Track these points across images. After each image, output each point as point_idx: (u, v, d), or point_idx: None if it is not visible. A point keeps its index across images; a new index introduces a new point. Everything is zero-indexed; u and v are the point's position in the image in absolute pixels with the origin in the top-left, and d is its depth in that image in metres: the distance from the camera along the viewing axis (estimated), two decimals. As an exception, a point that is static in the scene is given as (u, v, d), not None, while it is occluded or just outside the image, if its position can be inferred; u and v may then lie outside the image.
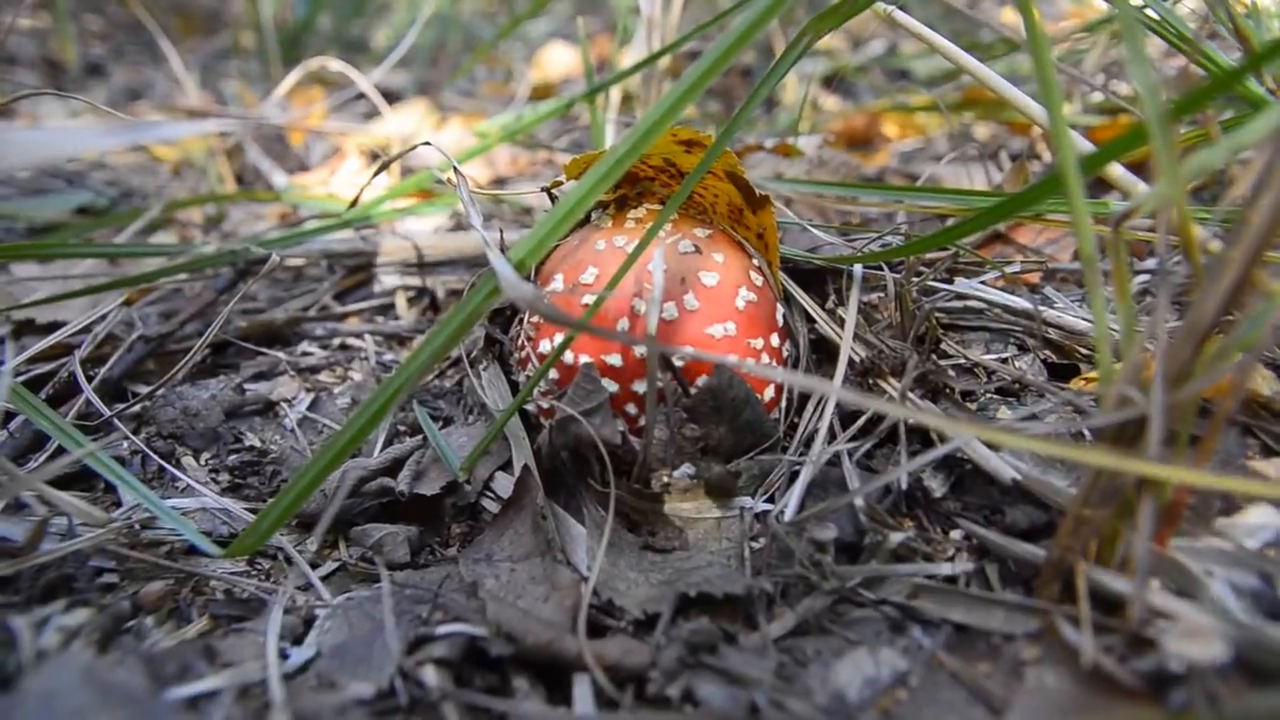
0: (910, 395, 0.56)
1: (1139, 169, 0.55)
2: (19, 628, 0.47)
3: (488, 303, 0.44)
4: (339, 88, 2.11)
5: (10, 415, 0.67)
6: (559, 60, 2.38)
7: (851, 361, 0.58)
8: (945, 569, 0.48)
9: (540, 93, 2.02)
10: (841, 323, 0.60)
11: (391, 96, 1.95)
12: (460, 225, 1.06)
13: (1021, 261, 0.72)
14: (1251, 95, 0.59)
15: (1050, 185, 0.47)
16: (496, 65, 2.46)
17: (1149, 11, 0.66)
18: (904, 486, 0.52)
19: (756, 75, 2.30)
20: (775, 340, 0.57)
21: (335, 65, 1.39)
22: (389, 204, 1.04)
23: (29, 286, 0.92)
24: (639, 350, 0.53)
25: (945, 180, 1.23)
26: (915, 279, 0.61)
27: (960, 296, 0.66)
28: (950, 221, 0.89)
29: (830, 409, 0.57)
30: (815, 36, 0.54)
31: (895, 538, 0.48)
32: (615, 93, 1.18)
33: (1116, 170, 0.52)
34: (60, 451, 0.65)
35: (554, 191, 0.63)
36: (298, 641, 0.48)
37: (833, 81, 2.02)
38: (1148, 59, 0.41)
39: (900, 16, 0.69)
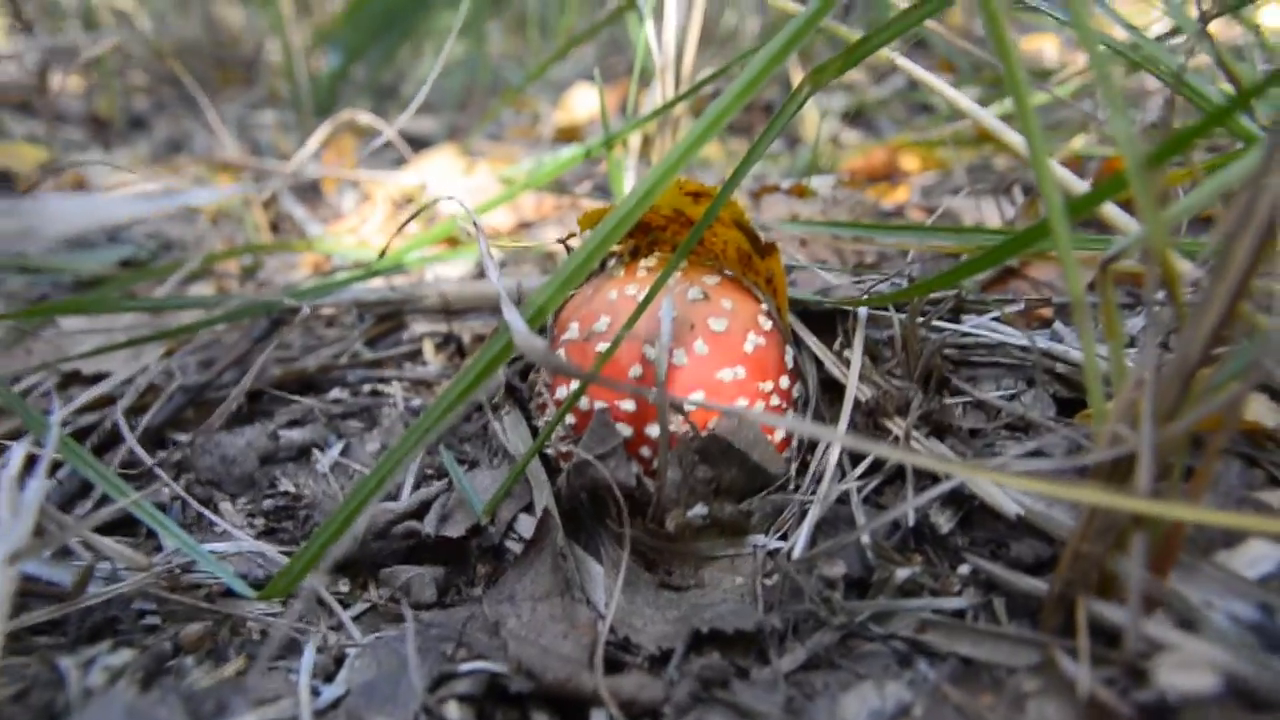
0: (916, 434, 0.57)
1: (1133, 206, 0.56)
2: (67, 668, 0.50)
3: (503, 355, 0.46)
4: (370, 135, 2.16)
5: (58, 464, 0.71)
6: (584, 102, 2.42)
7: (858, 402, 0.60)
8: (953, 603, 0.49)
9: (566, 134, 2.06)
10: (848, 364, 0.62)
11: (421, 142, 2.00)
12: (483, 274, 1.09)
13: (1025, 299, 0.73)
14: (1241, 131, 0.60)
15: (1040, 230, 0.49)
16: (523, 108, 2.51)
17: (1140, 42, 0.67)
18: (911, 524, 0.54)
19: (777, 109, 2.34)
20: (785, 382, 0.59)
21: (364, 118, 1.43)
22: (417, 252, 1.07)
23: (76, 339, 0.96)
24: (651, 396, 0.55)
25: (961, 214, 1.25)
26: (921, 319, 0.63)
27: (966, 334, 0.67)
28: (963, 258, 0.91)
29: (836, 451, 0.59)
30: (814, 89, 0.57)
31: (902, 573, 0.49)
32: (635, 137, 1.21)
33: (1110, 210, 0.54)
34: (105, 499, 0.69)
35: (569, 243, 0.65)
36: (329, 679, 0.50)
37: (852, 116, 2.04)
38: (1124, 108, 0.43)
39: (901, 61, 0.71)
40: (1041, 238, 0.49)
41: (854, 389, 0.60)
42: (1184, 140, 0.46)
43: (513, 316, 0.43)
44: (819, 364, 0.64)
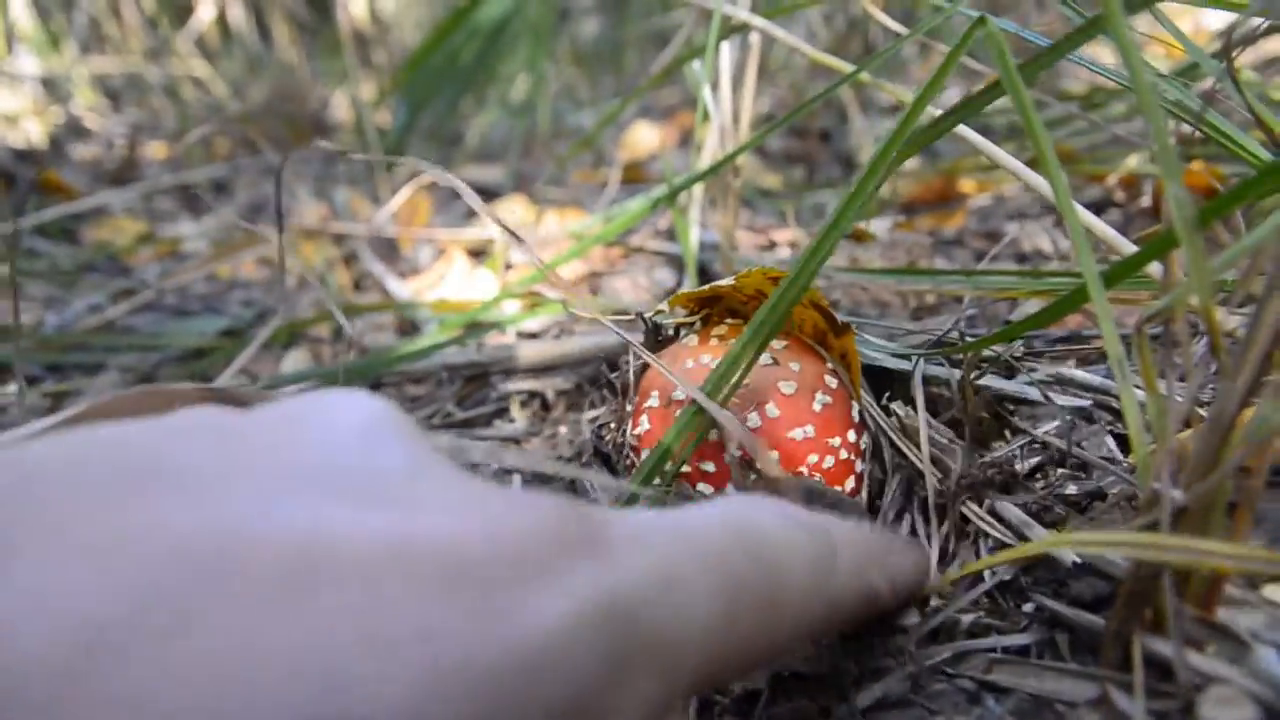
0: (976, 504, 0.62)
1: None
2: None
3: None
4: (440, 187, 2.25)
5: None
6: (645, 139, 2.49)
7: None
8: (1019, 639, 0.54)
9: (630, 174, 2.11)
10: (902, 427, 0.66)
11: (488, 193, 2.08)
12: (564, 330, 1.16)
13: (1065, 348, 0.77)
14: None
15: (1080, 297, 0.53)
16: (585, 150, 2.59)
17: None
18: (988, 584, 0.58)
19: (834, 138, 2.38)
20: (852, 436, 0.64)
21: (441, 180, 1.51)
22: (498, 310, 1.14)
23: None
24: (728, 456, 0.60)
25: (1020, 240, 1.28)
26: (976, 372, 0.67)
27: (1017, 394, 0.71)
28: (1020, 307, 0.94)
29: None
30: (899, 160, 0.62)
31: (966, 619, 0.53)
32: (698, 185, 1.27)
33: (1150, 267, 0.58)
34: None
35: (654, 319, 0.71)
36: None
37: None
38: (1179, 172, 0.47)
39: (967, 133, 0.76)
40: (1079, 305, 0.53)
41: (932, 485, 0.65)
42: (1235, 199, 0.49)
43: (731, 425, 0.49)
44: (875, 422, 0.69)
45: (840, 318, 0.64)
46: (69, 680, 0.23)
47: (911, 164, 1.96)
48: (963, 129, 0.73)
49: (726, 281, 0.65)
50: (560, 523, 0.31)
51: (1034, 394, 0.71)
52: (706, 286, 0.66)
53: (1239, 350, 0.45)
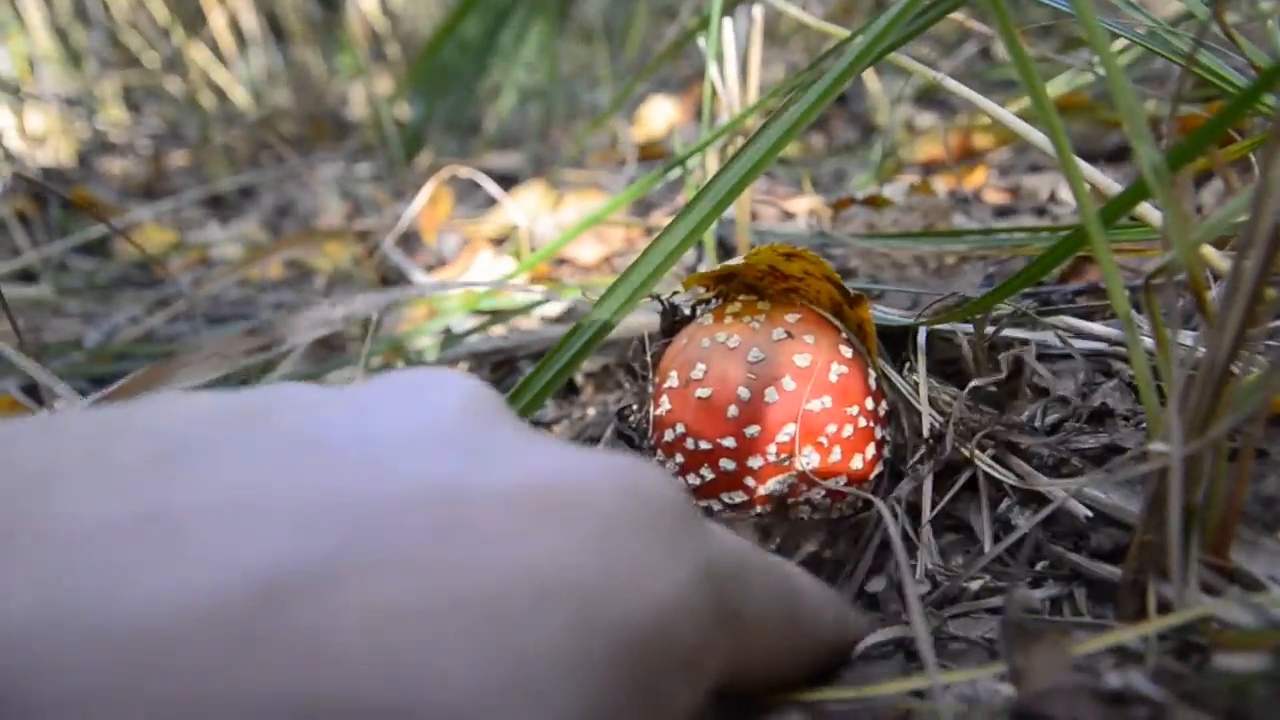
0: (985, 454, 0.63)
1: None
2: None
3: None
4: (460, 178, 2.27)
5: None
6: (660, 114, 2.49)
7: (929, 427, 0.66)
8: (1036, 595, 0.55)
9: (648, 151, 2.12)
10: (916, 387, 0.67)
11: (507, 179, 2.10)
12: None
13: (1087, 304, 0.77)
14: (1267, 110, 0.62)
15: (1078, 240, 0.53)
16: (601, 129, 2.59)
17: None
18: (987, 548, 0.59)
19: (850, 101, 2.36)
20: (870, 404, 0.65)
21: (463, 172, 1.53)
22: (519, 294, 1.16)
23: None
24: (748, 431, 0.62)
25: (1039, 192, 1.28)
26: (989, 331, 0.68)
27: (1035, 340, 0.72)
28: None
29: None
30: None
31: (974, 585, 0.55)
32: (713, 159, 1.27)
33: (1148, 211, 0.58)
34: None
35: (669, 300, 0.72)
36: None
37: (926, 97, 2.06)
38: (1141, 114, 0.47)
39: (950, 84, 0.76)
40: (1076, 250, 0.54)
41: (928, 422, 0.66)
42: (1210, 131, 0.49)
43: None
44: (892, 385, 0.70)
45: (855, 288, 0.65)
46: (252, 624, 0.24)
47: (928, 122, 1.96)
48: (949, 82, 0.74)
49: (737, 261, 0.66)
50: (677, 491, 0.34)
51: (1052, 344, 0.71)
52: (719, 266, 0.67)
53: (1224, 297, 0.45)
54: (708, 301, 0.73)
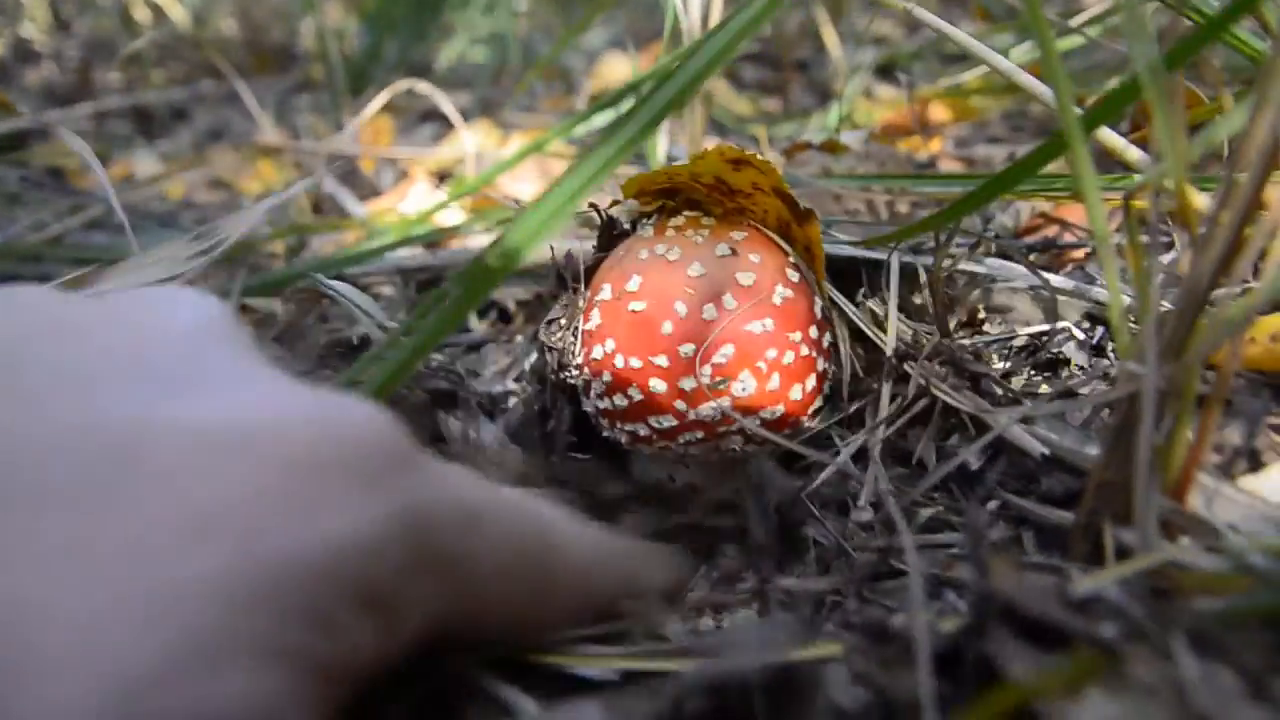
0: (943, 380, 0.59)
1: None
2: None
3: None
4: (404, 113, 2.19)
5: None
6: (617, 69, 2.43)
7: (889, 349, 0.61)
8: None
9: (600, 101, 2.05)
10: (873, 315, 0.63)
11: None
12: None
13: (1058, 243, 0.74)
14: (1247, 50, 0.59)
15: (1052, 149, 0.49)
16: (557, 79, 2.52)
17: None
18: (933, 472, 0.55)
19: (811, 67, 2.32)
20: (814, 332, 0.61)
21: (421, 87, 1.46)
22: (448, 216, 1.10)
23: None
24: (683, 349, 0.57)
25: (995, 162, 1.25)
26: (946, 264, 0.64)
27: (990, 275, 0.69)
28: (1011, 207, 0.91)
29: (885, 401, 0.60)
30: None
31: (925, 514, 0.51)
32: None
33: (1111, 138, 0.55)
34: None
35: (608, 212, 0.67)
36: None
37: (887, 71, 2.03)
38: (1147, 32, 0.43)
39: (920, 14, 0.72)
40: (1045, 163, 0.50)
41: (892, 346, 0.61)
42: (1200, 40, 0.45)
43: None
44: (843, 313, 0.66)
45: (804, 205, 0.60)
46: None
47: (888, 93, 1.92)
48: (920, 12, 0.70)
49: (682, 164, 0.61)
50: (393, 434, 0.34)
51: (1015, 274, 0.68)
52: (661, 171, 0.62)
53: (1208, 225, 0.42)
54: (649, 215, 0.68)
